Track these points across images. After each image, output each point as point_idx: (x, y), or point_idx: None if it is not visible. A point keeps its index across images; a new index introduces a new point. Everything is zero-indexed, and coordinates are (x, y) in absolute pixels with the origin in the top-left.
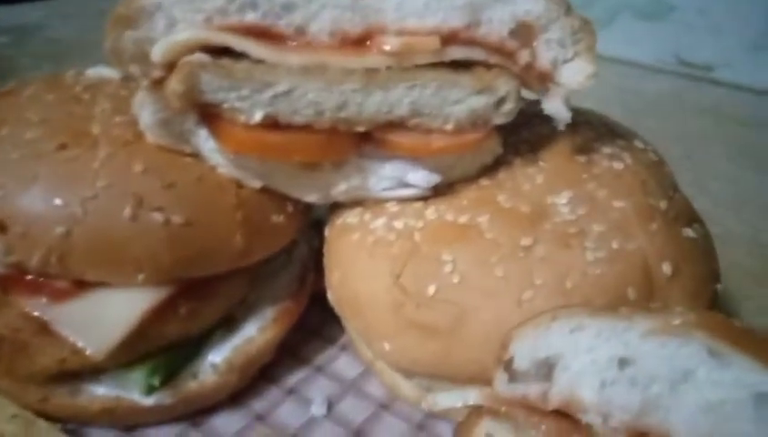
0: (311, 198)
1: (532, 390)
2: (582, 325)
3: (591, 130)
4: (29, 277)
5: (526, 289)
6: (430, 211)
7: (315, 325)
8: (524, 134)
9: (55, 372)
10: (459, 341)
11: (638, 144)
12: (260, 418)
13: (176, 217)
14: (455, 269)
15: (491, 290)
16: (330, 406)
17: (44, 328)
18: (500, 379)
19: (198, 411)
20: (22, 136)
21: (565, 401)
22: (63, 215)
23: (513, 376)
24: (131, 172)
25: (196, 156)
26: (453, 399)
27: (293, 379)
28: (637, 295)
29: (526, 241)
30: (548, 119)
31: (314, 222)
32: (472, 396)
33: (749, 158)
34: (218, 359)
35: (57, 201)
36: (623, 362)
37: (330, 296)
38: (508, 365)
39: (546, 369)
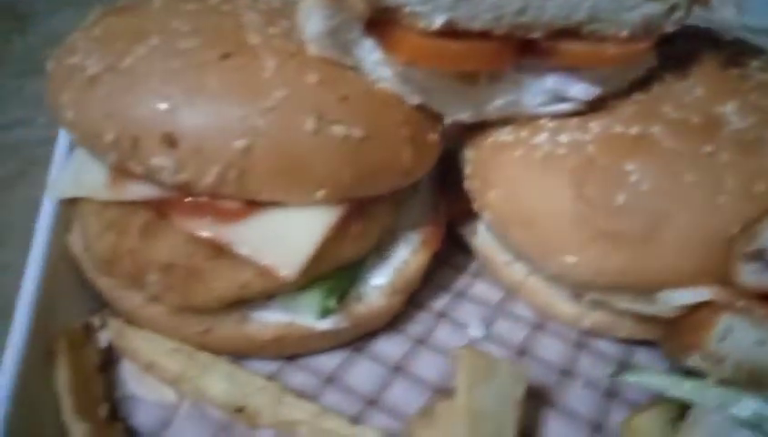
0: (464, 114)
1: None
2: None
3: (735, 45)
4: (192, 199)
5: (718, 194)
6: (594, 124)
7: (443, 255)
8: (671, 50)
9: (233, 299)
10: (653, 248)
11: None
12: (421, 342)
13: (356, 130)
14: (641, 177)
15: (684, 196)
16: (488, 328)
17: (218, 252)
18: (746, 270)
19: (359, 337)
20: (176, 45)
21: None
22: (243, 127)
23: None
24: (306, 83)
25: (355, 69)
26: (687, 297)
27: (439, 304)
28: None
29: (707, 148)
30: (690, 37)
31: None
32: (701, 294)
33: None
34: (381, 281)
35: (235, 112)
36: None
37: (488, 215)
38: (754, 256)
39: None
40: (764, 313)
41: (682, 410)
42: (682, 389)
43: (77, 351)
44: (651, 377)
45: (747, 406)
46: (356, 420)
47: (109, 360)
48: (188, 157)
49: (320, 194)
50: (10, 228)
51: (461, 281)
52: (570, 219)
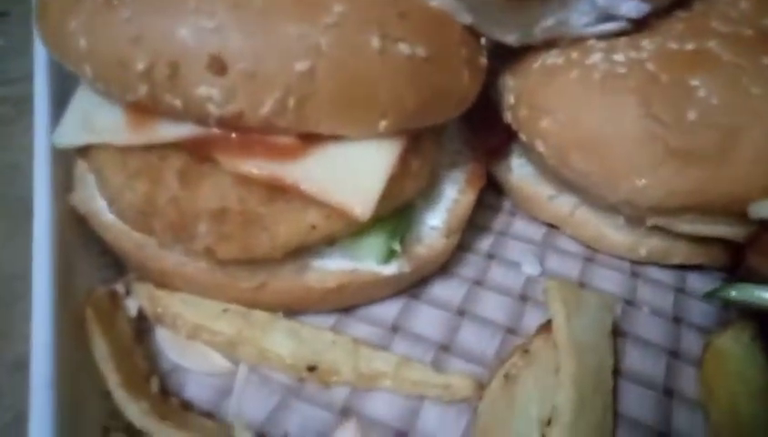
0: (512, 37)
1: None
2: None
3: None
4: (241, 135)
5: None
6: (646, 43)
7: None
8: None
9: (298, 245)
10: (728, 163)
11: None
12: (478, 283)
13: (419, 49)
14: (709, 92)
15: (755, 109)
16: (541, 264)
17: (275, 194)
18: None
19: (416, 283)
20: None
21: None
22: (303, 47)
23: None
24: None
25: None
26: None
27: (484, 245)
28: None
29: (766, 60)
30: None
31: None
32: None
33: None
34: (436, 222)
35: (292, 30)
36: None
37: (542, 144)
38: None
39: None
40: None
41: (759, 327)
42: None
43: (108, 322)
44: (754, 290)
45: None
46: (435, 367)
47: (141, 330)
48: (240, 84)
49: (383, 124)
50: None
51: (500, 221)
52: (639, 140)
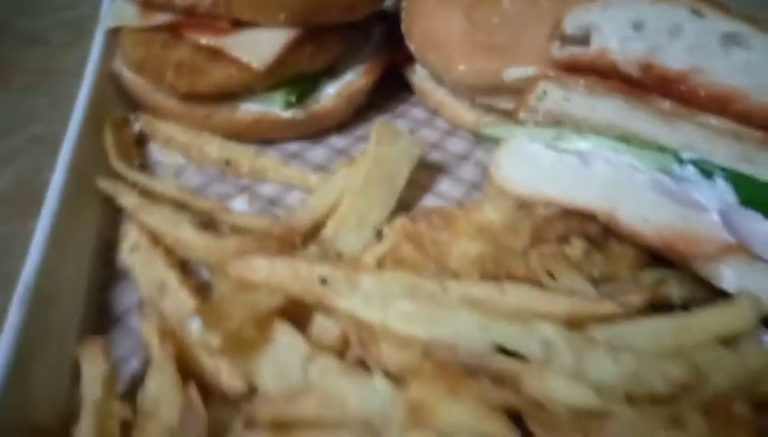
0: None
1: (576, 50)
2: (612, 4)
3: None
4: (196, 20)
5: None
6: None
7: (390, 96)
8: None
9: (222, 87)
10: (514, 52)
11: None
12: (361, 139)
13: None
14: (511, 6)
15: (540, 15)
16: (412, 132)
17: (213, 55)
18: (555, 46)
19: (317, 131)
20: None
21: (599, 51)
22: None
23: (564, 41)
24: None
25: None
26: (520, 72)
27: (381, 119)
28: None
29: None
30: None
31: (384, 14)
32: (531, 70)
33: None
34: (332, 90)
35: None
36: (637, 26)
37: (413, 45)
38: (561, 36)
39: (586, 33)
40: (569, 79)
41: None
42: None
43: (119, 131)
44: (501, 129)
45: (544, 135)
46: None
47: (141, 141)
48: None
49: (282, 17)
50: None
51: (402, 107)
52: (461, 38)
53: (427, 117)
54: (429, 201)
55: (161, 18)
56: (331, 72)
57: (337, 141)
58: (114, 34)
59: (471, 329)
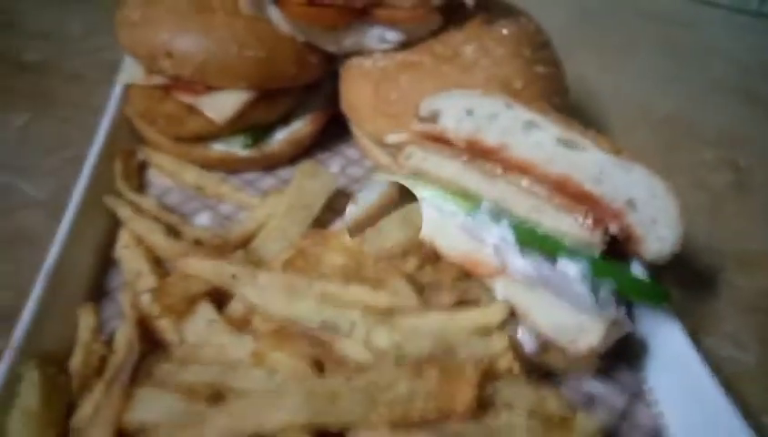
0: (331, 48)
1: (429, 127)
2: (453, 95)
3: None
4: (181, 83)
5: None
6: (399, 55)
7: (334, 139)
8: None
9: (196, 133)
10: (403, 120)
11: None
12: None
13: (260, 53)
14: (408, 84)
15: (420, 96)
16: (343, 169)
17: (191, 109)
18: (415, 122)
19: (271, 166)
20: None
21: (442, 128)
22: (203, 48)
23: (420, 120)
24: (235, 27)
25: (268, 20)
26: (397, 137)
27: (321, 157)
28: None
29: (444, 68)
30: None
31: (333, 73)
32: (401, 136)
33: None
34: (282, 136)
35: (198, 41)
36: (469, 112)
37: (343, 106)
38: (418, 115)
39: (435, 114)
40: (429, 144)
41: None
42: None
43: (127, 159)
44: (384, 176)
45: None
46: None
47: (142, 167)
48: (177, 64)
49: (242, 84)
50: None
51: (341, 147)
52: (371, 107)
53: (358, 157)
54: (338, 223)
55: (158, 79)
56: (284, 120)
57: (284, 173)
58: (126, 87)
59: (311, 311)
